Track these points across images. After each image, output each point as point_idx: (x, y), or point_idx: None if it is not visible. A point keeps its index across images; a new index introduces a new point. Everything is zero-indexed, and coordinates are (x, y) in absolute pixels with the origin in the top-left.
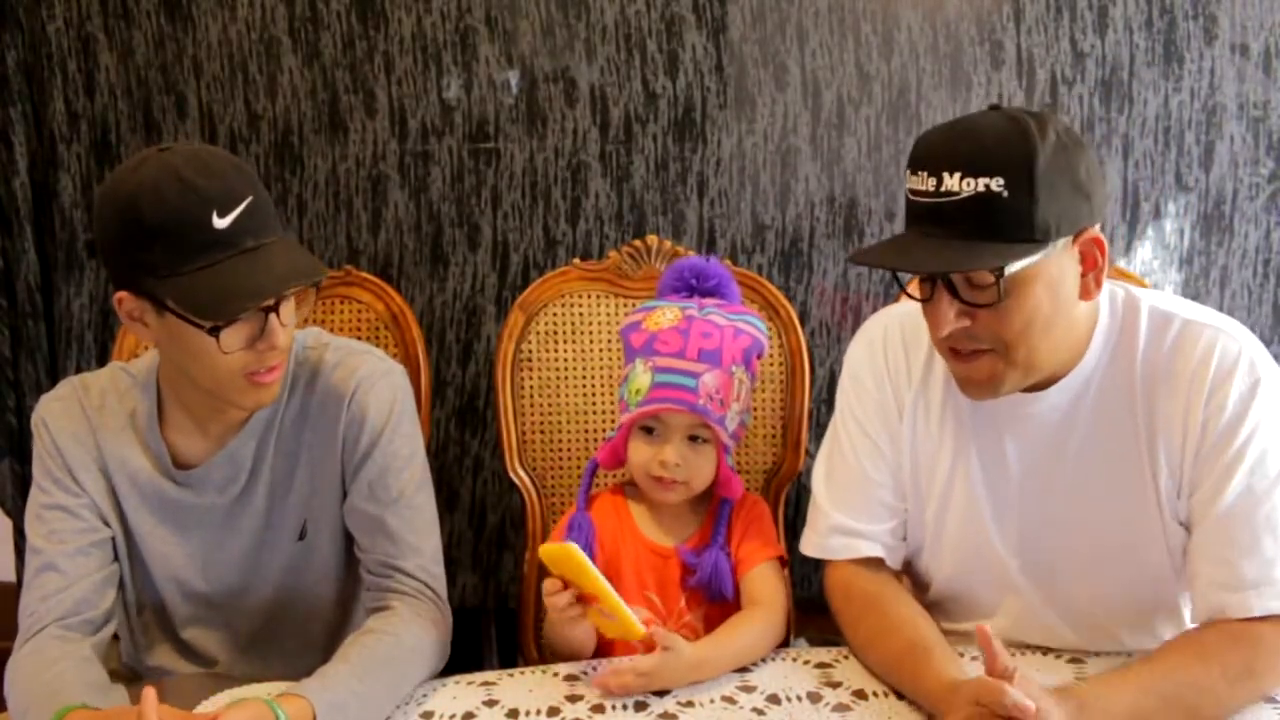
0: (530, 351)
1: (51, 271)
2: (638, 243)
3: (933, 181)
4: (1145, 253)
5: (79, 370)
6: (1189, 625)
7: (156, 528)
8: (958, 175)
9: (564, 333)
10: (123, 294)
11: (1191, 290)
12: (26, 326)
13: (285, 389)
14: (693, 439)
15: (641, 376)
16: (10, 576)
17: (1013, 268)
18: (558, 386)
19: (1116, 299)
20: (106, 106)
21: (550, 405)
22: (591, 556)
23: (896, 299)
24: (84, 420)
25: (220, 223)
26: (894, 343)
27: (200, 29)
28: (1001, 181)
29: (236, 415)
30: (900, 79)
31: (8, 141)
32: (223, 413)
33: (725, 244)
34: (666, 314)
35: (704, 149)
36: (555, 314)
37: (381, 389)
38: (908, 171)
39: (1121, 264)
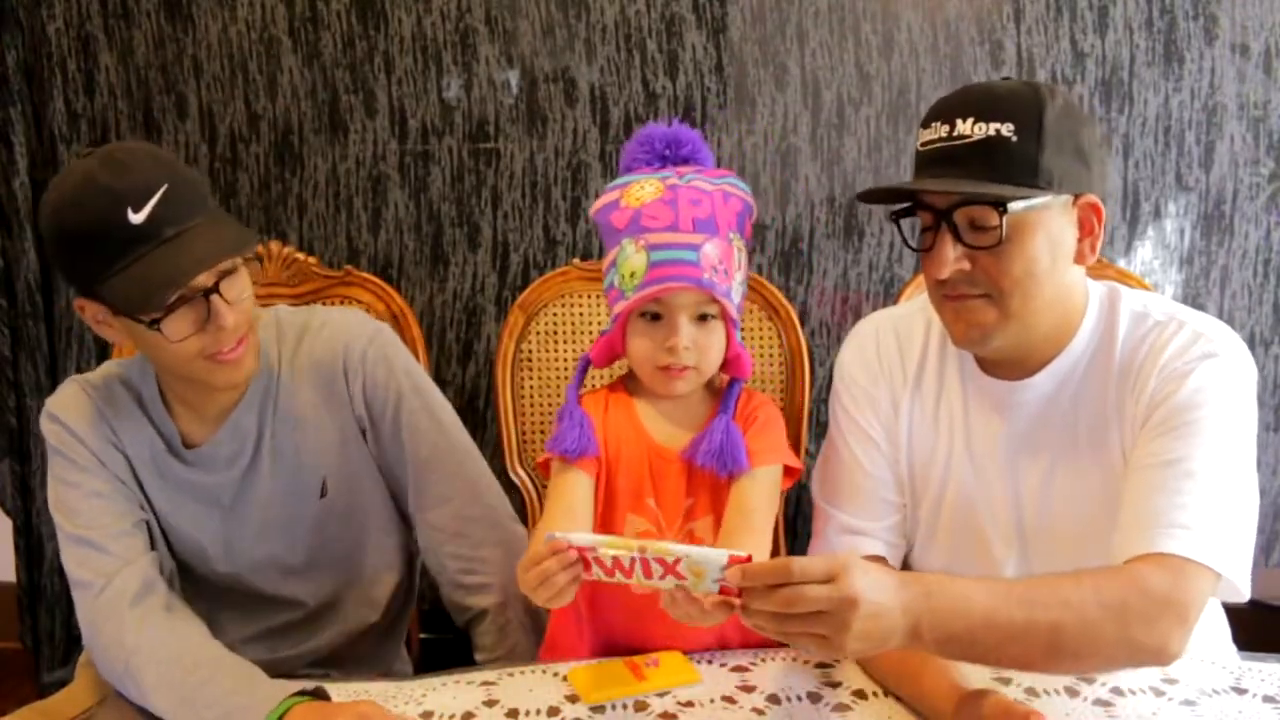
0: (530, 351)
1: (51, 271)
2: None
3: (945, 129)
4: (1145, 253)
5: (79, 370)
6: None
7: (182, 507)
8: (970, 120)
9: (564, 333)
10: (82, 301)
11: (1191, 290)
12: (26, 326)
13: (271, 358)
14: (700, 318)
15: (634, 258)
16: (10, 576)
17: (1016, 207)
18: (558, 386)
19: (1103, 295)
20: (106, 106)
21: (550, 405)
22: (593, 453)
23: (896, 299)
24: (94, 408)
25: (136, 218)
26: (886, 342)
27: (200, 29)
28: (1011, 127)
29: (227, 394)
30: (900, 79)
31: (8, 141)
32: (211, 393)
33: None
34: (645, 187)
35: None
36: (555, 314)
37: (381, 347)
38: (919, 131)
39: (1121, 264)
